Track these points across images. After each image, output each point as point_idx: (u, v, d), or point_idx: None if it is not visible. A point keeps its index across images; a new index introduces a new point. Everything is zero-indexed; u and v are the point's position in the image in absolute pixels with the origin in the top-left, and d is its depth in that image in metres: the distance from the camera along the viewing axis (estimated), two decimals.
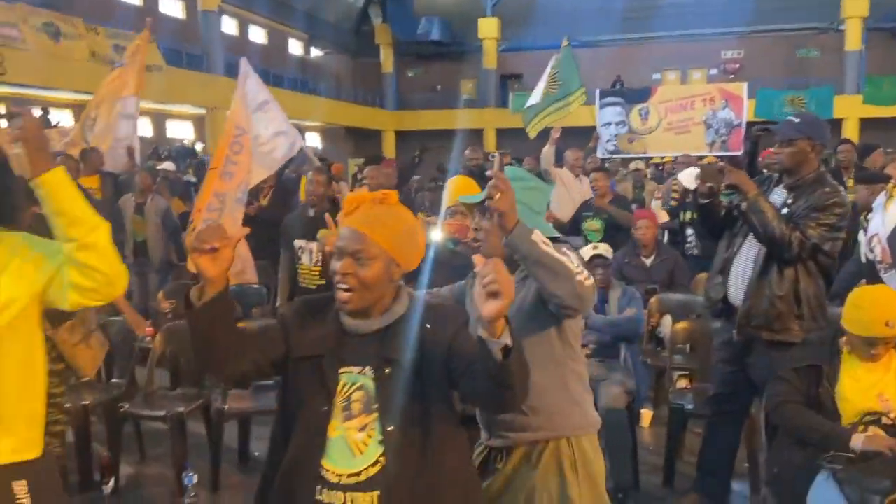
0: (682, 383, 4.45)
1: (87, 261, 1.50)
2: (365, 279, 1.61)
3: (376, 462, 1.58)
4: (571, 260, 1.84)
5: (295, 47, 30.60)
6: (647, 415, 4.64)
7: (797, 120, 3.19)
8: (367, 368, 1.63)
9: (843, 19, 23.98)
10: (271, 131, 5.67)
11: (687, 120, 19.27)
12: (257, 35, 27.80)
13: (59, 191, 1.48)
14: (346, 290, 1.61)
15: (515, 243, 1.79)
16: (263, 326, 1.81)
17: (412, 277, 3.04)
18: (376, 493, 1.56)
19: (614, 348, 3.92)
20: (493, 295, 1.38)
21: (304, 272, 4.35)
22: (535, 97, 7.56)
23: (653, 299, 4.80)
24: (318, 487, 1.58)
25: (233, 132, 5.08)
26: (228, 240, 1.46)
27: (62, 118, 16.70)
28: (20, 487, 1.54)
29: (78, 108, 17.15)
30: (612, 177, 7.21)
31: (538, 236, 1.80)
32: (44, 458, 1.63)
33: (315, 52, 32.00)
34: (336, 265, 1.62)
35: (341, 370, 1.65)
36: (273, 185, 6.14)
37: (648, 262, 5.22)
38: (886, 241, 4.24)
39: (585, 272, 1.84)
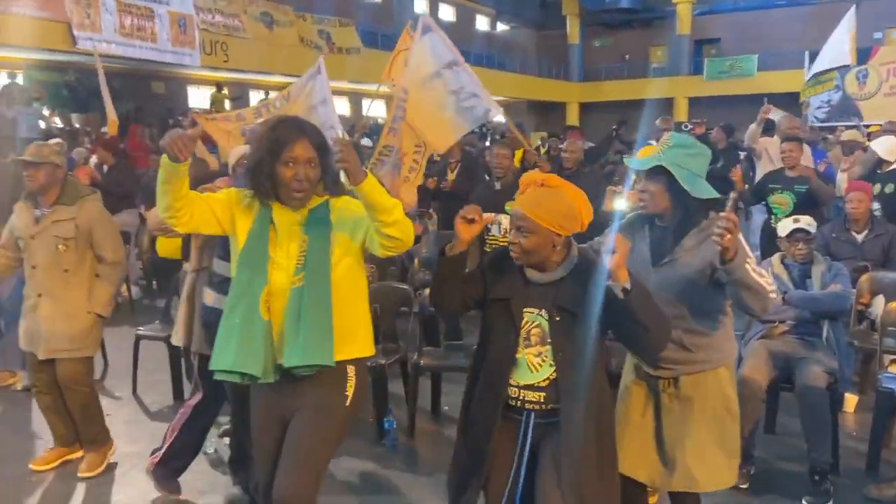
0: (895, 368, 4.09)
1: (390, 233, 2.10)
2: (526, 247, 2.09)
3: (546, 378, 2.14)
4: (767, 279, 2.21)
5: (482, 23, 31.02)
6: (851, 399, 4.33)
7: None
8: (544, 311, 2.13)
9: None
10: (468, 91, 5.51)
11: None
12: (446, 13, 28.53)
13: (370, 193, 2.04)
14: (514, 253, 2.13)
15: (732, 270, 2.12)
16: (469, 273, 2.24)
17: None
18: (542, 394, 2.14)
19: (816, 325, 3.69)
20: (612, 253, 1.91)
21: (493, 243, 4.55)
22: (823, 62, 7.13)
23: (864, 277, 4.44)
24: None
25: (399, 95, 5.20)
26: (482, 218, 2.12)
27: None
28: (350, 369, 2.29)
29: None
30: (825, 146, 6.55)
31: (749, 263, 2.16)
32: (367, 358, 2.39)
33: (501, 27, 32.21)
34: (510, 234, 2.15)
35: (525, 309, 2.15)
36: (459, 159, 6.37)
37: (860, 237, 4.81)
38: None
39: (774, 285, 2.27)
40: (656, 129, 6.48)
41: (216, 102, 16.32)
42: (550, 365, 2.11)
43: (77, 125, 14.64)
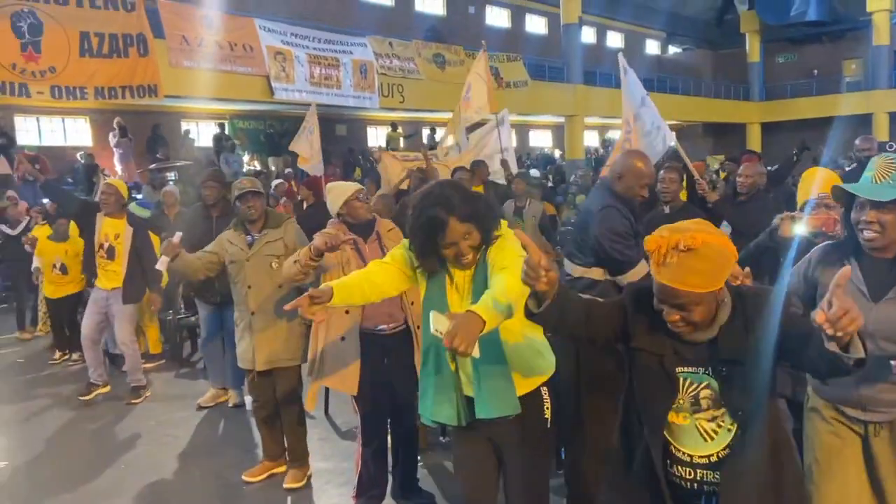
0: None
1: None
2: (697, 321, 1.75)
3: (726, 448, 1.82)
4: None
5: (651, 47, 30.34)
6: None
7: None
8: (708, 368, 1.81)
9: None
10: (652, 125, 5.65)
11: None
12: (614, 40, 28.25)
13: (497, 316, 1.98)
14: (684, 333, 1.80)
15: None
16: (608, 303, 1.98)
17: (774, 271, 3.04)
18: (723, 471, 1.81)
19: None
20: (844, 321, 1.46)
21: None
22: None
23: None
24: (669, 462, 1.88)
25: (624, 128, 5.24)
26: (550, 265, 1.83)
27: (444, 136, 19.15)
28: (544, 391, 2.37)
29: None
30: None
31: None
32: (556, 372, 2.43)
33: (672, 49, 31.28)
34: (665, 312, 1.78)
35: (679, 369, 1.83)
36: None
37: None
38: None
39: None
40: (856, 149, 5.97)
41: (391, 141, 17.30)
42: (729, 429, 1.81)
43: (272, 167, 16.17)
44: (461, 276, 2.30)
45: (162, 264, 3.52)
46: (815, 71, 27.49)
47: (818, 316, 1.45)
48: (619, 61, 5.50)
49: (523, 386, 2.29)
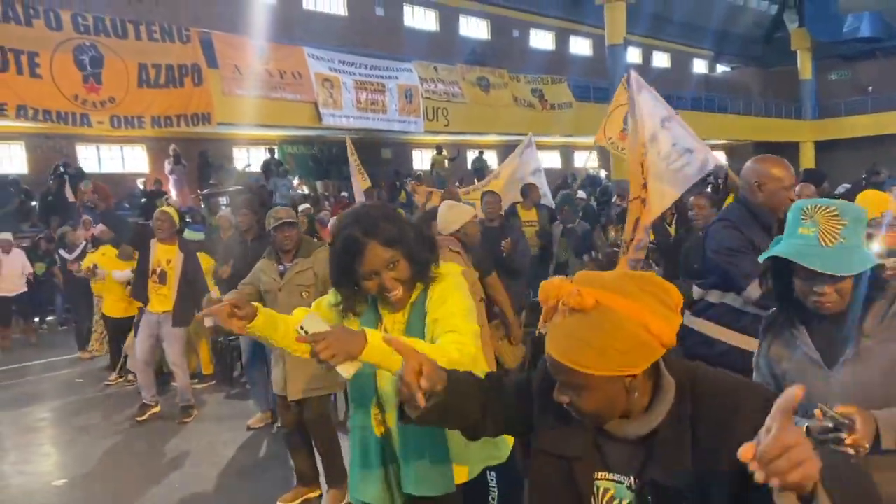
0: None
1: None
2: (585, 410, 1.25)
3: None
4: None
5: (699, 66, 30.03)
6: None
7: None
8: (633, 480, 1.29)
9: None
10: (680, 148, 5.08)
11: None
12: (660, 60, 28.08)
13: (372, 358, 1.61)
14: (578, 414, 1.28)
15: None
16: (512, 387, 1.50)
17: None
18: None
19: None
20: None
21: None
22: None
23: None
24: None
25: (640, 150, 4.90)
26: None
27: (490, 158, 19.29)
28: (491, 476, 2.01)
29: (501, 148, 19.63)
30: None
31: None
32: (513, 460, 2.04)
33: (721, 68, 30.90)
34: (555, 391, 1.28)
35: (598, 476, 1.33)
36: (674, 210, 6.12)
37: None
38: None
39: None
40: None
41: (437, 163, 17.47)
42: None
43: (320, 191, 16.49)
44: (392, 321, 1.92)
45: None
46: (870, 87, 26.79)
47: (743, 451, 0.93)
48: (631, 77, 5.02)
49: (463, 469, 1.92)
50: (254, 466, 4.67)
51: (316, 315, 1.61)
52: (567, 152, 23.81)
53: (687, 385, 1.26)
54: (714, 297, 2.89)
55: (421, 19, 21.89)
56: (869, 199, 3.19)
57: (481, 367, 1.86)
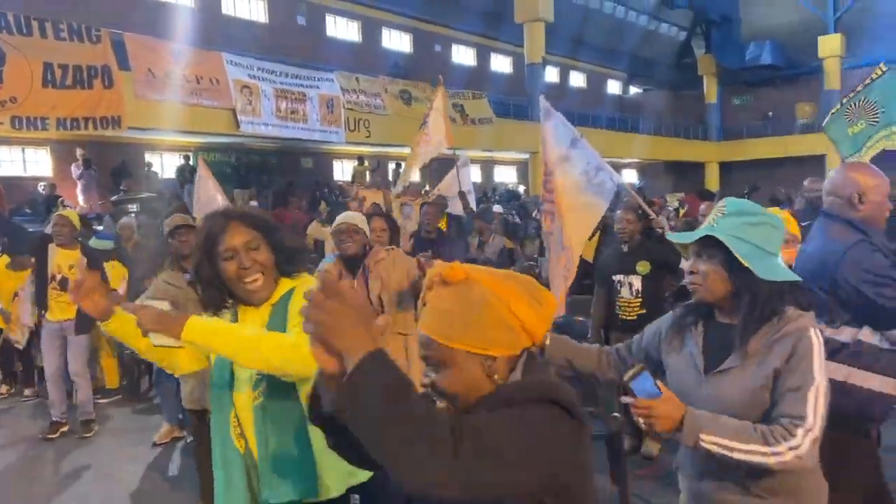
0: None
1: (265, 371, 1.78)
2: (444, 389, 1.22)
3: None
4: (764, 431, 1.62)
5: (613, 87, 31.19)
6: None
7: None
8: None
9: None
10: (593, 165, 5.19)
11: None
12: (577, 80, 29.00)
13: (194, 339, 1.68)
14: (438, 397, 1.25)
15: (688, 445, 1.64)
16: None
17: None
18: None
19: None
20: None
21: (624, 304, 4.55)
22: (844, 124, 6.65)
23: None
24: None
25: (542, 169, 5.19)
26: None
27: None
28: (354, 499, 1.93)
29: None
30: None
31: (711, 433, 1.62)
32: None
33: (633, 90, 32.19)
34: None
35: None
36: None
37: None
38: None
39: (793, 441, 1.60)
40: (804, 189, 6.22)
41: (358, 174, 17.41)
42: None
43: (238, 200, 16.13)
44: (250, 320, 1.84)
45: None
46: (770, 113, 28.52)
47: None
48: (540, 104, 5.34)
49: (329, 482, 1.84)
50: (159, 483, 4.53)
51: (156, 301, 1.69)
52: (488, 167, 24.20)
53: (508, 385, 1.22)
54: (847, 334, 2.42)
55: (344, 30, 21.85)
56: None
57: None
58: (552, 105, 5.13)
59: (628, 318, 4.50)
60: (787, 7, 27.40)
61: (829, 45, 25.31)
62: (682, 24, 28.98)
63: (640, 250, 4.63)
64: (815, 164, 22.69)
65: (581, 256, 5.23)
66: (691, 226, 5.17)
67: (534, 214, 12.15)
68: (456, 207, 8.02)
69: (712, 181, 26.76)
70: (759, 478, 1.70)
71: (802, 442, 1.60)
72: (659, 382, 1.64)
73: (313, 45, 19.98)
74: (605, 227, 6.12)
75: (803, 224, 6.01)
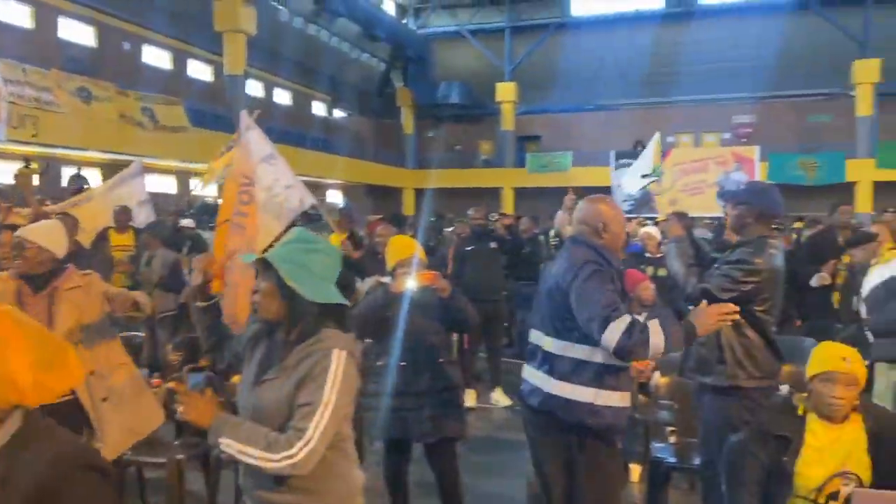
0: (674, 438, 4.51)
1: None
2: None
3: None
4: (272, 440, 1.84)
5: (318, 108, 31.61)
6: (635, 469, 4.69)
7: (742, 187, 3.53)
8: None
9: (853, 85, 24.30)
10: (282, 184, 5.34)
11: (700, 182, 19.44)
12: (282, 97, 28.82)
13: None
14: None
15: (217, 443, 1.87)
16: None
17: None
18: None
19: None
20: None
21: None
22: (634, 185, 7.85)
23: None
24: None
25: (240, 180, 5.03)
26: None
27: (91, 177, 17.41)
28: None
29: (107, 168, 17.87)
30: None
31: (230, 440, 1.85)
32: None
33: (338, 114, 33.01)
34: None
35: None
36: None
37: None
38: (864, 301, 4.40)
39: (290, 451, 1.81)
40: (469, 217, 6.90)
41: (21, 177, 15.09)
42: None
43: None
44: None
45: None
46: (458, 147, 31.36)
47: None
48: (241, 117, 5.14)
49: None
50: None
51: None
52: (183, 178, 22.77)
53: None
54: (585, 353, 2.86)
55: (13, 14, 18.93)
56: (398, 244, 3.68)
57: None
58: (256, 121, 5.05)
59: None
60: (472, 54, 30.51)
61: (505, 92, 28.70)
62: (382, 56, 30.55)
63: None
64: (493, 195, 25.47)
65: None
66: (373, 249, 5.46)
67: None
68: (140, 218, 7.41)
69: (409, 206, 28.50)
70: (284, 478, 1.89)
71: (298, 453, 1.81)
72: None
73: None
74: None
75: (468, 248, 6.74)
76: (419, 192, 29.45)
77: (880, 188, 21.85)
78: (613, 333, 2.60)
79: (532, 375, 3.01)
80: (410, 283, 3.34)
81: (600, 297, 2.68)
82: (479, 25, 30.07)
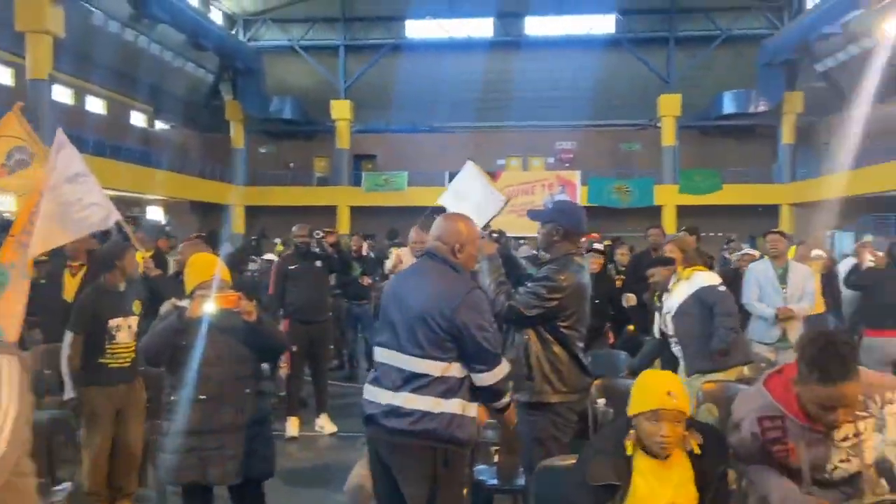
0: (497, 458, 4.49)
1: None
2: None
3: None
4: None
5: (137, 119, 29.48)
6: None
7: (550, 206, 3.63)
8: None
9: (659, 117, 26.82)
10: (85, 202, 5.23)
11: (527, 203, 20.50)
12: (95, 105, 26.52)
13: None
14: None
15: None
16: None
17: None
18: None
19: None
20: None
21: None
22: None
23: None
24: None
25: (37, 199, 4.79)
26: None
27: None
28: None
29: None
30: None
31: None
32: None
33: (160, 125, 30.99)
34: None
35: None
36: (84, 263, 5.82)
37: None
38: (671, 319, 4.68)
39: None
40: (293, 234, 6.64)
41: None
42: None
43: None
44: None
45: None
46: (292, 164, 30.62)
47: None
48: (57, 135, 5.10)
49: None
50: None
51: None
52: None
53: None
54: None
55: None
56: (197, 263, 3.39)
57: None
58: (74, 131, 4.75)
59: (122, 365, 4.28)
60: (305, 70, 30.02)
61: (340, 109, 28.48)
62: (210, 67, 29.14)
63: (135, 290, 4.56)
64: (329, 214, 25.08)
65: None
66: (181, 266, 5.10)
67: None
68: None
69: (238, 223, 27.29)
70: None
71: None
72: None
73: None
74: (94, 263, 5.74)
75: (291, 267, 6.45)
76: (250, 210, 28.33)
77: (683, 211, 24.15)
78: (498, 376, 2.85)
79: (385, 397, 2.82)
80: (209, 307, 3.04)
81: (492, 337, 2.87)
82: (312, 42, 29.68)
